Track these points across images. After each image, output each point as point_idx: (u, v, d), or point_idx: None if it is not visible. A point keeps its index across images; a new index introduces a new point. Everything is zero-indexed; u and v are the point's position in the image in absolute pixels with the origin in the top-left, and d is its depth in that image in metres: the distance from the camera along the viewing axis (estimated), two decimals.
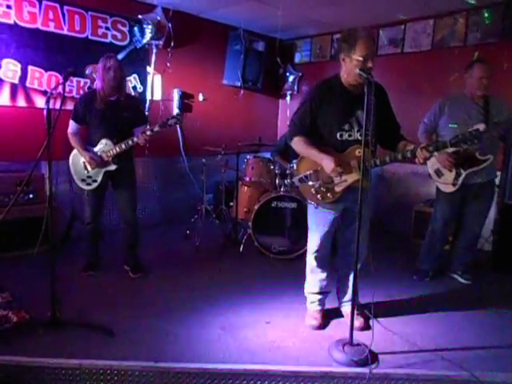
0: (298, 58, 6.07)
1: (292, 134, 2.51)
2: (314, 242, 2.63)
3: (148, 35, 4.53)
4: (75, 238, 4.00)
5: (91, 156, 3.13)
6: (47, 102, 2.37)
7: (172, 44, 4.77)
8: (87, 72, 4.24)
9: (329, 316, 2.77)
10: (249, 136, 4.80)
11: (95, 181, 3.22)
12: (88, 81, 4.26)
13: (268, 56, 5.68)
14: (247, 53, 5.35)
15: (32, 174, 2.59)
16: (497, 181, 3.49)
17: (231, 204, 4.57)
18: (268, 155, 4.70)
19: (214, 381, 2.12)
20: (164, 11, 4.62)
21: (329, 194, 2.47)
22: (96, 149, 3.17)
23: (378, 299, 2.75)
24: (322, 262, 2.67)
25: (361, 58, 2.23)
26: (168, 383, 2.12)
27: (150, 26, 4.51)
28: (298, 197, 3.84)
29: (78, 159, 3.24)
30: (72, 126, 3.18)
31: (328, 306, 2.83)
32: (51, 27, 3.98)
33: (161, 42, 4.69)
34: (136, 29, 4.51)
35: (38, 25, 3.90)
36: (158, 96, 4.88)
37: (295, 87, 6.04)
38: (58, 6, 3.98)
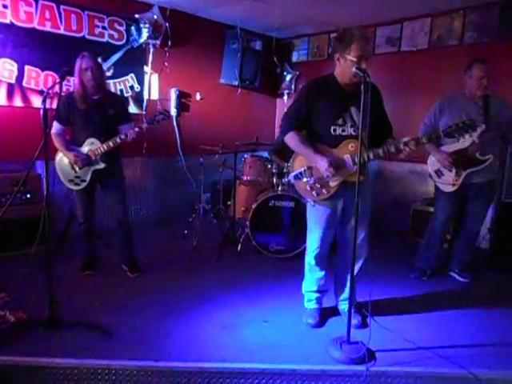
0: (295, 57, 6.06)
1: (285, 129, 2.52)
2: (313, 240, 2.63)
3: (145, 34, 4.52)
4: (73, 237, 4.00)
5: (75, 154, 3.09)
6: (43, 101, 2.37)
7: (169, 43, 4.77)
8: None
9: (326, 314, 2.78)
10: (246, 135, 4.80)
11: (84, 180, 3.20)
12: None
13: (265, 55, 5.67)
14: (244, 52, 5.34)
15: (29, 174, 2.58)
16: None
17: (229, 203, 4.57)
18: (265, 154, 4.70)
19: (212, 380, 2.13)
20: (161, 10, 4.62)
21: (324, 190, 2.48)
22: (84, 149, 3.13)
23: (375, 297, 2.76)
24: (320, 261, 2.68)
25: (355, 59, 2.24)
26: (167, 382, 2.13)
27: (146, 26, 4.50)
28: (295, 195, 3.84)
29: (62, 161, 3.21)
30: (56, 126, 3.12)
31: (325, 304, 2.83)
32: (48, 27, 3.96)
33: (158, 42, 4.69)
34: (133, 28, 4.50)
35: (35, 24, 3.88)
36: (155, 95, 4.87)
37: (292, 86, 6.04)
38: (54, 5, 3.96)
